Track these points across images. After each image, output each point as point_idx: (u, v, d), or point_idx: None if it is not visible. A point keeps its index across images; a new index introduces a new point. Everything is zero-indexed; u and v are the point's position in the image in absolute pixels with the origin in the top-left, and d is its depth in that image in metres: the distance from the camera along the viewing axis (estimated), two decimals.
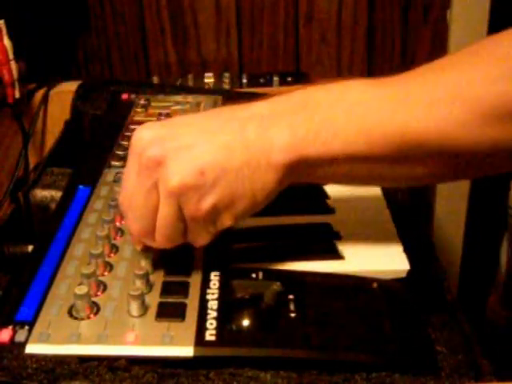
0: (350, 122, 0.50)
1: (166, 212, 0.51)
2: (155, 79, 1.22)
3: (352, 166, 0.52)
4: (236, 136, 0.51)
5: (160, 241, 0.53)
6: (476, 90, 0.48)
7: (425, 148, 0.50)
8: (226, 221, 0.52)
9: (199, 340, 0.49)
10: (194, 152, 0.51)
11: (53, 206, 0.73)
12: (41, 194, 0.76)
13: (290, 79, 1.18)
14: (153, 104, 0.87)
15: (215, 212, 0.51)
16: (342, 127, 0.50)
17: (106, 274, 0.55)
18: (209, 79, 1.18)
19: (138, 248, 0.56)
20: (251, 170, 0.50)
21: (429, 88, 0.49)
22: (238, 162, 0.50)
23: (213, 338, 0.49)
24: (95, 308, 0.51)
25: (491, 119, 0.47)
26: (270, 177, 0.51)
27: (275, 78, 1.17)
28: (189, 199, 0.50)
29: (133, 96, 0.91)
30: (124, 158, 0.72)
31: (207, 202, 0.50)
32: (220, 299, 0.52)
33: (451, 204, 1.31)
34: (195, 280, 0.55)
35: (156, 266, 0.56)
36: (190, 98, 0.89)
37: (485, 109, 0.47)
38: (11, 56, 0.93)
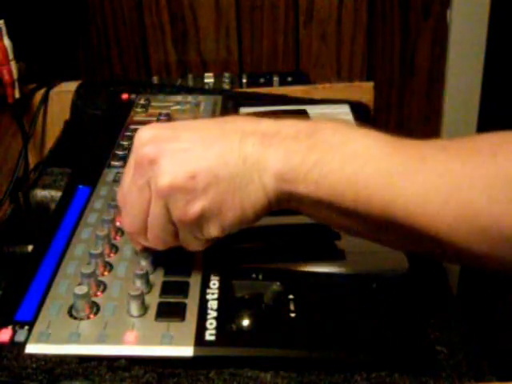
0: (342, 172, 0.48)
1: (155, 211, 0.51)
2: (155, 79, 1.22)
3: (335, 215, 0.50)
4: (234, 147, 0.50)
5: (152, 240, 0.53)
6: (475, 203, 0.45)
7: (407, 229, 0.47)
8: (213, 230, 0.52)
9: (199, 340, 0.49)
10: (189, 155, 0.50)
11: (53, 206, 0.73)
12: (41, 193, 0.76)
13: (290, 79, 1.18)
14: (153, 104, 0.87)
15: (202, 219, 0.51)
16: (333, 173, 0.48)
17: (105, 273, 0.55)
18: (209, 79, 1.18)
19: (138, 248, 0.56)
20: (244, 183, 0.50)
21: (430, 173, 0.47)
22: (231, 172, 0.50)
23: (212, 338, 0.49)
24: (95, 308, 0.51)
25: (483, 235, 0.45)
26: (260, 195, 0.50)
27: (275, 78, 1.17)
28: (177, 201, 0.50)
29: (133, 96, 0.91)
30: (124, 158, 0.73)
31: (195, 207, 0.50)
32: (220, 299, 0.52)
33: None
34: (195, 280, 0.54)
35: (156, 265, 0.56)
36: (190, 98, 0.89)
37: (479, 223, 0.45)
38: (11, 56, 0.93)
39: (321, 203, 0.50)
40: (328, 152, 0.49)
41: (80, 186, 0.68)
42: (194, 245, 0.54)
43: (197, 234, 0.52)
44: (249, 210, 0.51)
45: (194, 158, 0.50)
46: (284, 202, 0.51)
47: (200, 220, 0.51)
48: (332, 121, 0.52)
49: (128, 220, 0.54)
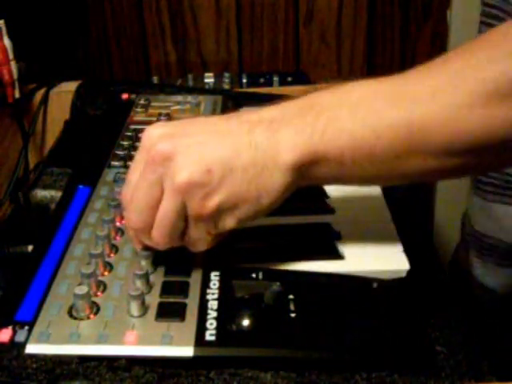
0: (355, 119, 0.50)
1: (167, 208, 0.51)
2: (155, 79, 1.23)
3: (360, 164, 0.51)
4: (244, 137, 0.51)
5: (156, 238, 0.53)
6: (479, 72, 0.47)
7: (431, 137, 0.49)
8: (229, 222, 0.52)
9: (199, 340, 0.49)
10: (203, 150, 0.51)
11: (53, 206, 0.73)
12: (41, 193, 0.76)
13: (290, 79, 1.18)
14: (153, 104, 0.87)
15: (219, 212, 0.51)
16: (347, 124, 0.50)
17: (106, 274, 0.55)
18: (209, 79, 1.18)
19: (138, 248, 0.56)
20: (258, 171, 0.51)
21: (432, 78, 0.49)
22: (244, 162, 0.50)
23: (213, 338, 0.49)
24: (95, 308, 0.51)
25: (496, 98, 0.46)
26: (276, 179, 0.51)
27: (275, 78, 1.17)
28: (194, 196, 0.50)
29: (133, 96, 0.91)
30: (124, 158, 0.73)
31: (213, 201, 0.51)
32: (220, 299, 0.52)
33: (451, 204, 1.32)
34: (195, 280, 0.54)
35: (156, 265, 0.56)
36: (190, 98, 0.89)
37: (489, 88, 0.46)
38: (11, 56, 0.93)
39: (344, 159, 0.50)
40: (334, 110, 0.51)
41: (80, 186, 0.68)
42: (200, 244, 0.54)
43: (211, 229, 0.53)
44: (265, 199, 0.51)
45: (208, 152, 0.51)
46: (303, 178, 0.52)
47: (216, 213, 0.51)
48: (324, 89, 0.54)
49: (134, 216, 0.54)
